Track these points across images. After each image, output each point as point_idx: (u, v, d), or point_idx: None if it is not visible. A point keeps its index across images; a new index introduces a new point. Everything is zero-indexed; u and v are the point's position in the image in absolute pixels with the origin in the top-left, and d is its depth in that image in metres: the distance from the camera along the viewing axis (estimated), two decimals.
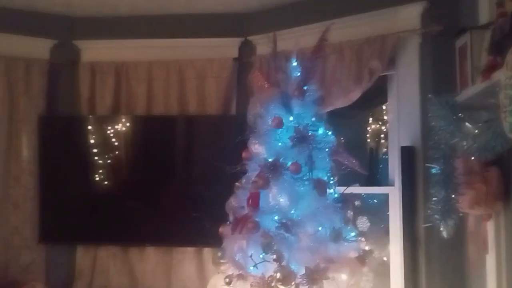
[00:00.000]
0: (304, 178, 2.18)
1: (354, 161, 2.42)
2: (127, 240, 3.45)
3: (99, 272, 3.49)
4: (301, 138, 2.17)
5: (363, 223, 3.12)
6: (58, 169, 3.46)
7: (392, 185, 2.99)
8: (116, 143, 3.43)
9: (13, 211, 3.37)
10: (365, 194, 3.30)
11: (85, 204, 3.45)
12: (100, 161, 3.42)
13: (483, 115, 1.93)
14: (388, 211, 3.05)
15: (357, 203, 2.47)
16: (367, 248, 2.33)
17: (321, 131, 2.29)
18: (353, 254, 2.17)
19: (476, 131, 1.83)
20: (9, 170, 3.37)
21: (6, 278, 3.30)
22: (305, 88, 2.34)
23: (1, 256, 3.32)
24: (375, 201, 3.37)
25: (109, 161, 3.43)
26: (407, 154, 2.80)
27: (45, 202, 3.41)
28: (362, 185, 3.15)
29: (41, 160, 3.43)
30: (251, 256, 2.09)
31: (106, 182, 3.44)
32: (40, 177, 3.42)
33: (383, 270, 3.03)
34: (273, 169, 2.16)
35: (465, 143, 1.90)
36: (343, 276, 2.06)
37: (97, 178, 3.42)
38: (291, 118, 2.29)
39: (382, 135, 3.44)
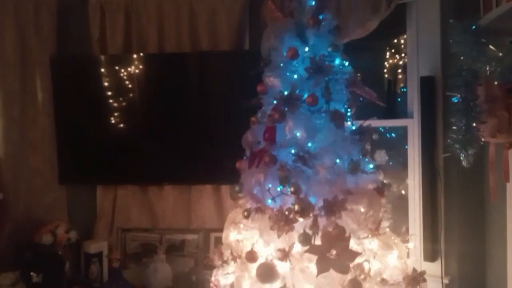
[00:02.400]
0: (321, 110, 2.14)
1: (371, 93, 2.36)
2: (145, 179, 3.48)
3: (119, 211, 3.56)
4: (317, 69, 2.11)
5: (381, 156, 3.10)
6: (74, 110, 3.45)
7: (411, 117, 2.95)
8: (129, 82, 3.39)
9: (32, 153, 3.41)
10: (382, 128, 3.27)
11: (103, 144, 3.45)
12: (115, 101, 3.40)
13: (507, 39, 1.85)
14: (406, 145, 3.02)
15: (374, 137, 2.44)
16: (385, 181, 2.31)
17: (337, 61, 2.22)
18: (371, 186, 2.15)
19: (500, 54, 1.75)
20: (26, 112, 3.38)
21: (30, 218, 3.39)
22: (320, 17, 2.24)
23: (24, 197, 3.39)
24: (393, 135, 3.33)
25: (123, 101, 3.40)
26: (427, 84, 2.73)
27: (63, 144, 3.44)
28: (380, 118, 3.11)
29: (56, 102, 3.43)
30: (268, 190, 2.09)
31: (122, 122, 3.42)
32: (56, 118, 3.43)
33: (401, 204, 3.03)
34: (289, 102, 2.11)
35: (488, 68, 1.83)
36: (361, 208, 2.04)
37: (113, 118, 3.41)
38: (306, 49, 2.22)
39: (401, 67, 3.35)
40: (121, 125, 3.42)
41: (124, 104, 3.40)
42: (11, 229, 3.31)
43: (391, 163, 3.20)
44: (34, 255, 3.11)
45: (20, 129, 3.37)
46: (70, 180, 3.51)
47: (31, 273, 3.00)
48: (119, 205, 3.55)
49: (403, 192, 3.10)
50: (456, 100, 2.15)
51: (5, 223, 3.25)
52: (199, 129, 3.36)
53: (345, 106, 2.24)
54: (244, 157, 2.34)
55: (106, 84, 3.40)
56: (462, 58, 2.04)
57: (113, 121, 3.41)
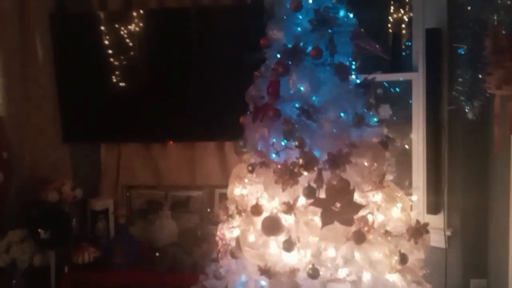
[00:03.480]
0: (325, 64, 2.10)
1: (376, 46, 2.32)
2: (149, 137, 3.50)
3: (124, 169, 3.59)
4: (322, 21, 2.06)
5: (385, 111, 3.08)
6: (75, 68, 3.43)
7: (416, 71, 2.92)
8: (130, 38, 3.34)
9: (35, 112, 3.41)
10: (387, 82, 3.24)
11: (106, 102, 3.44)
12: (117, 58, 3.37)
13: None
14: (410, 100, 3.00)
15: (379, 91, 2.41)
16: (389, 135, 2.30)
17: (342, 13, 2.16)
18: (375, 139, 2.14)
19: (509, 2, 1.71)
20: (26, 71, 3.35)
21: (36, 177, 3.41)
22: None
23: (28, 156, 3.41)
24: (397, 89, 3.30)
25: (125, 58, 3.37)
26: (433, 36, 2.69)
27: (65, 102, 3.44)
28: (384, 72, 3.07)
29: (57, 60, 3.40)
30: (272, 144, 2.09)
31: (125, 79, 3.40)
32: (58, 77, 3.40)
33: (404, 159, 3.04)
34: (293, 55, 2.08)
35: (496, 17, 1.79)
36: (365, 162, 2.04)
37: (115, 76, 3.39)
38: (310, 1, 2.16)
39: (405, 22, 3.29)
40: (124, 83, 3.40)
41: (126, 61, 3.36)
42: (17, 188, 3.35)
43: (395, 118, 3.19)
44: (41, 212, 3.15)
45: (22, 87, 3.36)
46: (73, 139, 3.52)
47: (39, 230, 3.04)
48: (124, 163, 3.57)
49: (406, 146, 3.10)
50: (462, 52, 2.13)
51: (10, 182, 3.28)
52: (202, 86, 3.33)
53: (350, 59, 2.20)
54: (248, 112, 2.32)
55: (106, 40, 3.35)
56: (469, 8, 2.00)
57: (115, 79, 3.39)
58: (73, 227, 3.22)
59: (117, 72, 3.40)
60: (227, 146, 3.44)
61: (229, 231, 2.30)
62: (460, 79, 2.13)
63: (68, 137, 3.48)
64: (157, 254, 3.19)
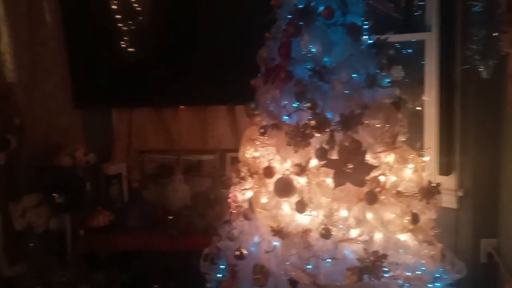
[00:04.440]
0: (337, 24, 2.06)
1: (389, 5, 2.27)
2: (160, 101, 3.49)
3: (136, 134, 3.61)
4: None
5: (397, 72, 3.04)
6: (85, 32, 3.39)
7: (429, 30, 2.86)
8: (138, 2, 3.30)
9: (45, 78, 3.41)
10: (399, 44, 3.19)
11: (116, 67, 3.41)
12: (126, 22, 3.33)
13: None
14: (422, 61, 2.96)
15: (391, 52, 2.37)
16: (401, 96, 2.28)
17: None
18: (388, 100, 2.12)
19: None
20: (35, 36, 3.34)
21: (48, 143, 3.44)
22: None
23: (40, 122, 3.44)
24: (409, 51, 3.25)
25: (135, 22, 3.33)
26: None
27: (76, 67, 3.42)
28: (397, 33, 3.02)
29: (65, 24, 3.37)
30: (284, 106, 2.08)
31: (135, 43, 3.37)
32: (67, 41, 3.38)
33: (416, 120, 3.02)
34: (304, 15, 2.04)
35: None
36: (378, 122, 2.03)
37: (125, 40, 3.36)
38: None
39: None
40: (134, 47, 3.37)
41: (136, 24, 3.32)
42: (30, 153, 3.39)
43: (406, 79, 3.16)
44: (55, 177, 3.20)
45: (31, 53, 3.35)
46: (84, 104, 3.52)
47: (54, 195, 3.09)
48: (135, 128, 3.59)
49: (418, 108, 3.08)
50: (477, 10, 2.08)
51: (23, 147, 3.31)
52: (212, 49, 3.30)
53: (362, 19, 2.16)
54: (259, 75, 2.31)
55: (115, 5, 3.30)
56: None
57: (125, 43, 3.36)
58: (87, 192, 3.26)
59: (127, 36, 3.37)
60: (238, 110, 3.44)
61: (241, 194, 2.32)
62: (475, 38, 2.08)
63: (79, 102, 3.48)
64: (171, 217, 3.24)
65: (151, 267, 3.23)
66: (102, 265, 3.25)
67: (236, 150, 3.22)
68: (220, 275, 2.45)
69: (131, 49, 3.39)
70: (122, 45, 3.38)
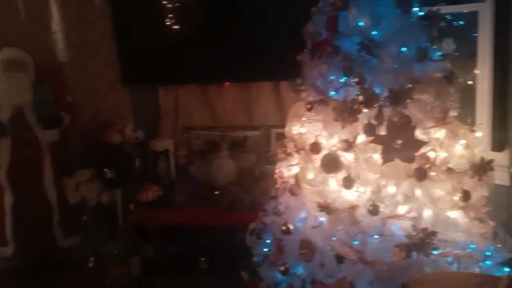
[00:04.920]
0: None
1: None
2: (205, 78, 3.51)
3: (182, 111, 3.66)
4: None
5: (448, 45, 2.94)
6: (131, 11, 3.44)
7: (483, 1, 2.74)
8: None
9: (94, 56, 3.49)
10: (450, 15, 3.07)
11: (162, 44, 3.44)
12: (170, 0, 3.35)
13: None
14: (475, 33, 2.85)
15: (442, 24, 2.29)
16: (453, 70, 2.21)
17: None
18: (439, 74, 2.06)
19: None
20: (83, 15, 3.41)
21: (98, 120, 3.55)
22: None
23: (89, 99, 3.53)
24: (460, 23, 3.13)
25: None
26: None
27: (123, 45, 3.48)
28: (448, 3, 2.91)
29: (113, 3, 3.42)
30: (331, 81, 2.06)
31: (181, 21, 3.39)
32: (115, 20, 3.44)
33: (468, 95, 2.92)
34: None
35: None
36: (428, 97, 1.98)
37: (172, 18, 3.38)
38: None
39: None
40: (180, 24, 3.39)
41: (180, 2, 3.34)
42: (82, 130, 3.50)
43: (457, 53, 3.05)
44: (105, 153, 3.29)
45: (80, 32, 3.43)
46: (132, 82, 3.58)
47: (105, 170, 3.19)
48: (181, 105, 3.64)
49: (469, 82, 2.97)
50: None
51: (75, 124, 3.43)
52: (257, 25, 3.27)
53: None
54: (305, 50, 2.28)
55: None
56: None
57: (171, 21, 3.38)
58: (136, 167, 3.35)
59: (173, 13, 3.39)
60: (282, 86, 3.42)
61: (287, 169, 2.32)
62: None
63: (127, 80, 3.55)
64: (216, 192, 3.28)
65: (197, 241, 3.30)
66: (151, 238, 3.35)
67: (281, 126, 3.22)
68: (266, 250, 2.48)
69: (176, 27, 3.41)
70: (167, 23, 3.40)
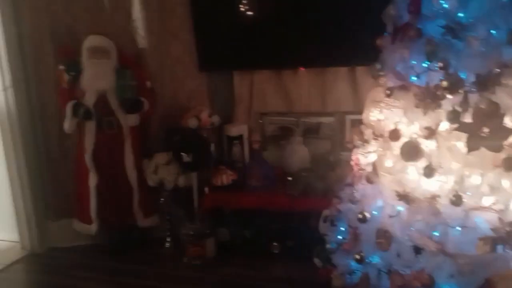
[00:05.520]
0: None
1: None
2: (280, 64, 3.51)
3: (256, 96, 3.67)
4: None
5: None
6: None
7: None
8: None
9: (172, 42, 3.57)
10: None
11: (238, 31, 3.45)
12: None
13: None
14: None
15: None
16: None
17: None
18: None
19: None
20: (163, 2, 3.49)
21: (176, 105, 3.65)
22: None
23: (168, 85, 3.63)
24: None
25: None
26: None
27: (200, 32, 3.53)
28: None
29: None
30: (413, 66, 1.99)
31: (256, 7, 3.38)
32: (192, 7, 3.50)
33: None
34: None
35: None
36: None
37: (247, 4, 3.39)
38: None
39: None
40: (255, 10, 3.39)
41: None
42: (161, 115, 3.62)
43: None
44: (183, 137, 3.39)
45: (160, 19, 3.52)
46: (208, 68, 3.64)
47: (182, 154, 3.28)
48: (256, 90, 3.65)
49: None
50: None
51: (154, 109, 3.55)
52: (333, 9, 3.20)
53: None
54: (385, 34, 2.22)
55: None
56: None
57: (247, 7, 3.39)
58: (212, 152, 3.42)
59: (248, 0, 3.40)
60: (358, 71, 3.35)
61: (364, 156, 2.28)
62: None
63: (203, 66, 3.61)
64: (290, 178, 3.29)
65: (271, 225, 3.33)
66: (226, 221, 3.42)
67: (356, 112, 3.18)
68: (340, 237, 2.46)
69: (251, 13, 3.42)
70: (242, 9, 3.42)
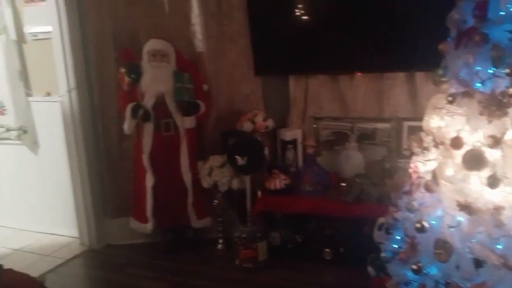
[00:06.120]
0: None
1: None
2: (336, 68, 3.48)
3: (311, 101, 3.65)
4: None
5: None
6: (265, 3, 3.50)
7: None
8: None
9: (229, 47, 3.61)
10: None
11: (294, 35, 3.45)
12: None
13: None
14: None
15: None
16: None
17: None
18: None
19: None
20: (221, 7, 3.54)
21: (231, 108, 3.69)
22: None
23: (224, 88, 3.68)
24: None
25: None
26: None
27: (257, 36, 3.55)
28: None
29: None
30: (477, 72, 1.92)
31: (312, 12, 3.38)
32: (249, 12, 3.53)
33: None
34: None
35: None
36: None
37: (303, 8, 3.40)
38: None
39: None
40: (311, 15, 3.39)
41: None
42: (216, 118, 3.67)
43: None
44: (237, 140, 3.42)
45: (217, 24, 3.57)
46: (264, 72, 3.66)
47: (236, 157, 3.31)
48: (311, 95, 3.64)
49: None
50: None
51: (210, 112, 3.60)
52: (392, 12, 3.14)
53: None
54: (448, 39, 2.15)
55: None
56: None
57: (303, 11, 3.39)
58: (265, 155, 3.43)
59: (303, 5, 3.40)
60: (418, 76, 3.27)
61: (423, 164, 2.22)
62: None
63: (259, 70, 3.63)
64: (344, 184, 3.25)
65: (323, 230, 3.30)
66: (278, 225, 3.42)
67: (414, 119, 3.11)
68: (396, 246, 2.40)
69: (308, 17, 3.42)
70: (300, 13, 3.42)
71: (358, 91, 3.51)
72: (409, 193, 2.29)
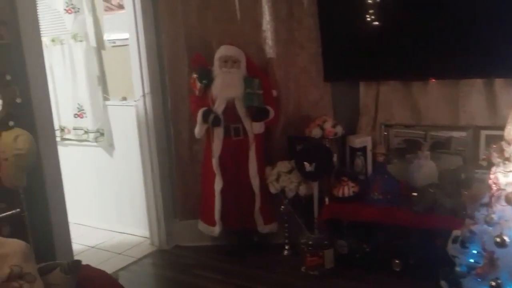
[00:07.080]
0: None
1: None
2: (409, 75, 3.39)
3: (382, 107, 3.58)
4: None
5: None
6: (335, 8, 3.47)
7: None
8: None
9: (299, 52, 3.62)
10: None
11: (365, 41, 3.39)
12: None
13: None
14: None
15: None
16: None
17: None
18: None
19: None
20: (292, 13, 3.56)
21: (300, 114, 3.69)
22: None
23: (293, 94, 3.68)
24: None
25: None
26: None
27: (327, 42, 3.53)
28: None
29: (319, 1, 3.49)
30: None
31: (383, 17, 3.30)
32: (320, 18, 3.51)
33: None
34: None
35: None
36: None
37: (373, 14, 3.32)
38: None
39: None
40: (382, 20, 3.31)
41: None
42: (285, 123, 3.68)
43: None
44: (306, 147, 3.41)
45: (288, 29, 3.59)
46: (334, 78, 3.62)
47: (304, 163, 3.30)
48: (382, 101, 3.57)
49: None
50: None
51: (279, 117, 3.62)
52: (468, 15, 3.01)
53: None
54: None
55: None
56: None
57: (373, 17, 3.32)
58: (334, 162, 3.39)
59: (375, 10, 3.33)
60: (497, 83, 3.11)
61: (504, 175, 2.12)
62: None
63: (329, 76, 3.59)
64: (415, 194, 3.15)
65: (392, 240, 3.22)
66: (345, 233, 3.37)
67: (493, 127, 2.97)
68: (472, 261, 2.30)
69: (379, 22, 3.34)
70: (371, 19, 3.35)
71: (431, 98, 3.40)
72: (488, 205, 2.19)
